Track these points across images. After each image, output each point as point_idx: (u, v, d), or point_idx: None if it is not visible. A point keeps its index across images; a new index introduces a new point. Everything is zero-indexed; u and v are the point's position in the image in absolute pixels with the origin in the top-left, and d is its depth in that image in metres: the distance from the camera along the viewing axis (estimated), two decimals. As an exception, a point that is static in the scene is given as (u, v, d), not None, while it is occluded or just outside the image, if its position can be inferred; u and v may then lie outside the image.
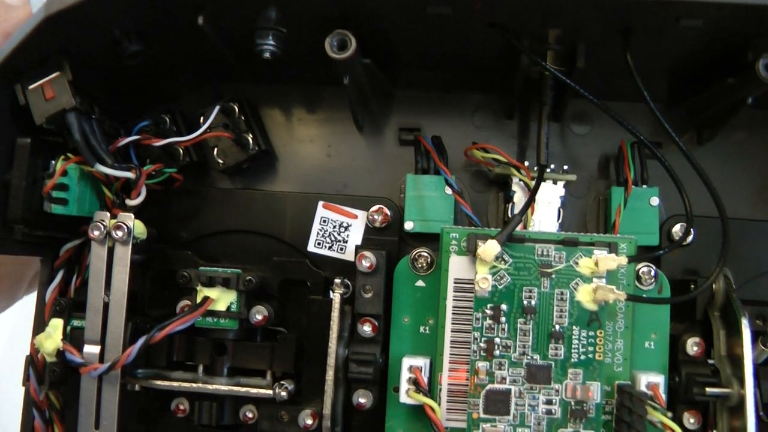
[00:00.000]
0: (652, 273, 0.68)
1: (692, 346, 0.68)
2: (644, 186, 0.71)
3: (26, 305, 0.80)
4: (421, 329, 0.68)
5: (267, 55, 0.64)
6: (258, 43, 0.63)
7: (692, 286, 0.68)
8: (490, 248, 0.63)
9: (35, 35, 0.60)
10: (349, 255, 0.72)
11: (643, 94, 0.63)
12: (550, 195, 0.70)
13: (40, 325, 0.69)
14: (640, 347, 0.67)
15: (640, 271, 0.68)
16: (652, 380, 0.64)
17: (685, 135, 0.73)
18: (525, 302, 0.64)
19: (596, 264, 0.63)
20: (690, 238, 0.70)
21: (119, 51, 0.64)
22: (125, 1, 0.59)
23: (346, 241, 0.72)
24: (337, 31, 0.61)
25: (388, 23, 0.63)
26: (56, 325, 0.67)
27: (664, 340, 0.68)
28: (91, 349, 0.65)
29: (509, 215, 0.71)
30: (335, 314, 0.66)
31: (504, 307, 0.64)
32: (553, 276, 0.64)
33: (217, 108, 0.70)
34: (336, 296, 0.66)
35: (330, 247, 0.72)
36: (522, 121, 0.75)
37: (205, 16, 0.61)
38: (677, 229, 0.71)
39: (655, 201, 0.70)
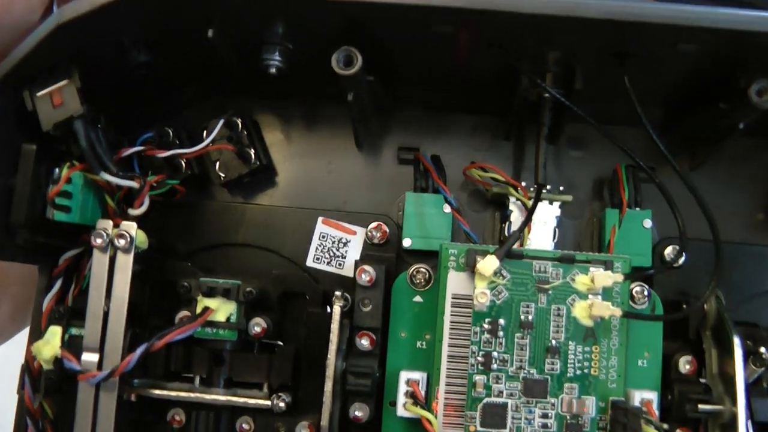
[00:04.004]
0: (645, 292, 0.69)
1: (684, 364, 0.69)
2: (637, 209, 0.72)
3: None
4: (418, 344, 0.69)
5: (273, 70, 0.65)
6: (265, 57, 0.65)
7: (684, 306, 0.70)
8: (489, 263, 0.64)
9: (47, 42, 0.60)
10: (347, 270, 0.73)
11: (641, 117, 0.64)
12: (546, 215, 0.72)
13: (36, 333, 0.69)
14: (634, 365, 0.68)
15: (634, 291, 0.69)
16: (645, 396, 0.65)
17: (678, 159, 0.74)
18: (522, 317, 0.65)
19: (592, 280, 0.65)
20: (682, 260, 0.71)
21: (128, 61, 0.65)
22: (137, 10, 0.60)
23: (345, 257, 0.73)
24: (344, 47, 0.62)
25: (393, 41, 0.65)
26: (55, 332, 0.66)
27: (657, 359, 0.69)
28: (90, 357, 0.65)
29: (506, 234, 0.72)
30: (335, 326, 0.66)
31: (502, 321, 0.65)
32: (550, 292, 0.66)
33: (221, 121, 0.71)
34: (336, 309, 0.67)
35: (328, 263, 0.73)
36: (518, 143, 0.76)
37: (215, 29, 0.63)
38: (669, 252, 0.72)
39: (648, 223, 0.72)
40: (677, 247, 0.71)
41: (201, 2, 0.60)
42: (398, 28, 0.62)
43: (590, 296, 0.65)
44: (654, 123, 0.72)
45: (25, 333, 0.71)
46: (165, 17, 0.62)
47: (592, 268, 0.66)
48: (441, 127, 0.76)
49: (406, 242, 0.72)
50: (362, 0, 0.58)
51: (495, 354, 0.65)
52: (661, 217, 0.71)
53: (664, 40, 0.61)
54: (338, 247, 0.73)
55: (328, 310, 0.68)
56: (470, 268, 0.65)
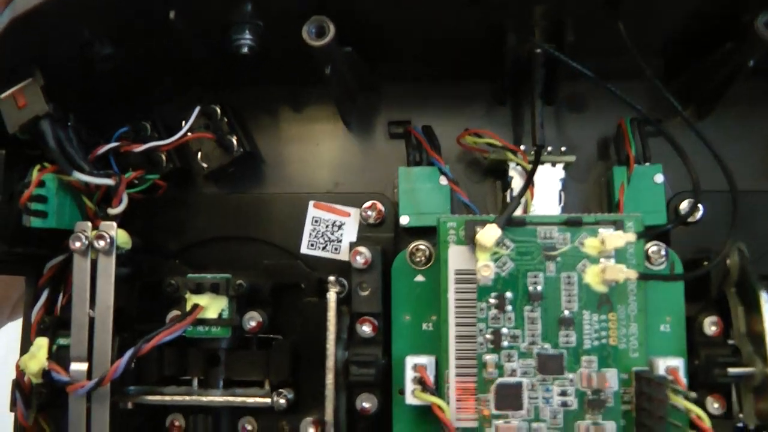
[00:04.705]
0: (662, 252, 0.64)
1: (710, 326, 0.64)
2: (647, 164, 0.67)
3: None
4: (424, 326, 0.65)
5: (245, 50, 0.62)
6: (234, 38, 0.62)
7: (705, 263, 0.65)
8: (489, 232, 0.59)
9: (3, 40, 0.57)
10: (344, 254, 0.69)
11: (640, 65, 0.60)
12: (550, 178, 0.67)
13: (26, 347, 0.66)
14: (655, 331, 0.63)
15: (650, 251, 0.64)
16: (670, 364, 0.60)
17: (685, 110, 0.70)
18: (530, 288, 0.61)
19: (603, 242, 0.60)
20: (699, 215, 0.67)
21: (91, 55, 0.62)
22: (93, -1, 0.57)
23: (340, 241, 0.69)
24: (315, 17, 0.59)
25: (368, 7, 0.61)
26: (41, 344, 0.64)
27: (680, 322, 0.64)
28: (78, 367, 0.62)
29: (508, 202, 0.68)
30: (331, 314, 0.62)
31: (509, 294, 0.61)
32: (558, 259, 0.61)
33: (197, 109, 0.68)
34: (331, 295, 0.63)
35: (324, 248, 0.69)
36: (515, 106, 0.72)
37: (177, 12, 0.59)
38: (684, 206, 0.67)
39: (659, 178, 0.67)
40: (692, 201, 0.66)
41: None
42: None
43: (602, 260, 0.61)
44: (656, 73, 0.68)
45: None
46: (123, 3, 0.59)
47: (601, 230, 0.61)
48: (432, 97, 0.72)
49: (404, 219, 0.67)
50: None
51: (504, 330, 0.61)
52: (673, 170, 0.67)
53: None
54: (332, 231, 0.69)
55: (325, 297, 0.64)
56: (471, 241, 0.61)
